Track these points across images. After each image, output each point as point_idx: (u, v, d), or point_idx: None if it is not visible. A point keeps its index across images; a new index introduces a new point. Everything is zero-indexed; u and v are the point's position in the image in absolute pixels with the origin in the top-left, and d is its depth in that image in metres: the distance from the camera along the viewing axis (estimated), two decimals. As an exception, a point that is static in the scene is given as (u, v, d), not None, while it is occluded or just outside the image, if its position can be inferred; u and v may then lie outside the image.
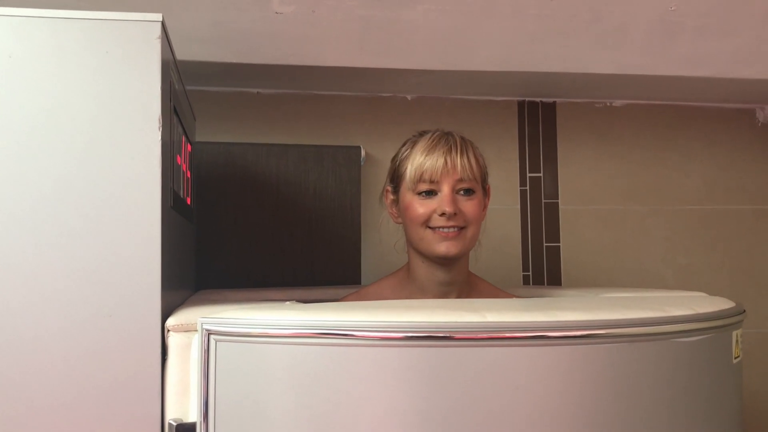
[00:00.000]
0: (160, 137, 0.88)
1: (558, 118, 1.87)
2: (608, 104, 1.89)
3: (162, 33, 0.91)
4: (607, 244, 1.86)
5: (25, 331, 0.84)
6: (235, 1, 1.37)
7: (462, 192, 1.22)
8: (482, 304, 0.91)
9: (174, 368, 0.88)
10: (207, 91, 1.69)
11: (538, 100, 1.86)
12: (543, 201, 1.85)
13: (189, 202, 1.35)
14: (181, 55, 1.39)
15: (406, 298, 1.25)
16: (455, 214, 1.19)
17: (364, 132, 1.77)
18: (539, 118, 1.86)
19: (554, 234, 1.84)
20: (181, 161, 1.19)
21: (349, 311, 0.84)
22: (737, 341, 0.96)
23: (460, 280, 1.26)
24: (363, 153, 1.71)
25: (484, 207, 1.29)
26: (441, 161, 1.20)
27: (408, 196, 1.23)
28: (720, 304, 0.99)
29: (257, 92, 1.73)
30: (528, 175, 1.85)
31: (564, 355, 0.81)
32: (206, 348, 0.84)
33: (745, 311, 1.03)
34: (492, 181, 1.75)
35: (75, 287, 0.85)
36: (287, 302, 0.98)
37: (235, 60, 1.47)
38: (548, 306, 0.89)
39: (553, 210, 1.85)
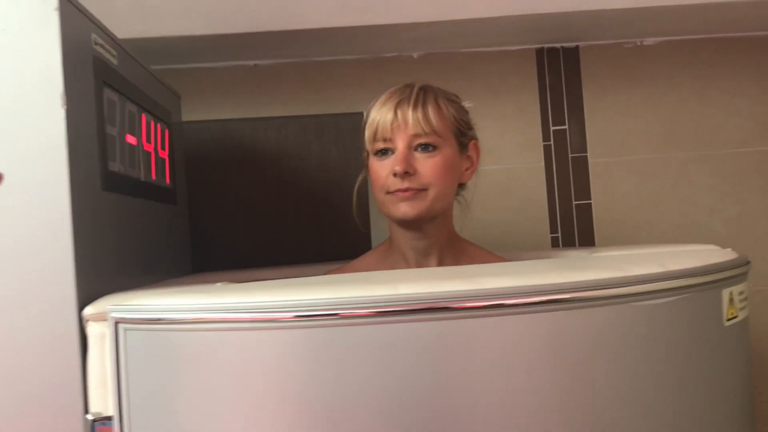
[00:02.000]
0: (64, 115, 0.83)
1: (582, 64, 1.71)
2: (638, 43, 1.71)
3: (63, 4, 0.85)
4: (646, 198, 1.70)
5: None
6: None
7: (420, 149, 1.11)
8: (411, 275, 0.81)
9: (94, 360, 0.83)
10: (202, 68, 1.64)
11: (558, 45, 1.71)
12: (570, 155, 1.70)
13: (168, 183, 1.30)
14: (157, 31, 1.35)
15: (388, 268, 1.17)
16: (407, 173, 1.09)
17: (368, 97, 1.65)
18: (561, 65, 1.71)
19: (584, 190, 1.70)
20: (140, 142, 1.14)
21: (250, 291, 0.76)
22: (732, 300, 0.82)
23: (440, 244, 1.16)
24: (366, 119, 1.62)
25: (470, 166, 1.18)
26: (390, 115, 1.10)
27: (370, 159, 1.14)
28: (714, 257, 0.85)
29: (254, 65, 1.67)
30: (551, 128, 1.70)
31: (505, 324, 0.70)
32: (115, 337, 0.79)
33: (749, 263, 0.88)
34: (512, 138, 1.66)
35: None
36: (219, 284, 0.91)
37: (206, 32, 1.40)
38: (476, 273, 0.78)
39: (582, 164, 1.70)
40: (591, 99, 1.70)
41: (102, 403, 0.82)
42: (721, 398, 0.81)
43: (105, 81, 0.98)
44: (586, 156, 1.70)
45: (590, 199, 1.69)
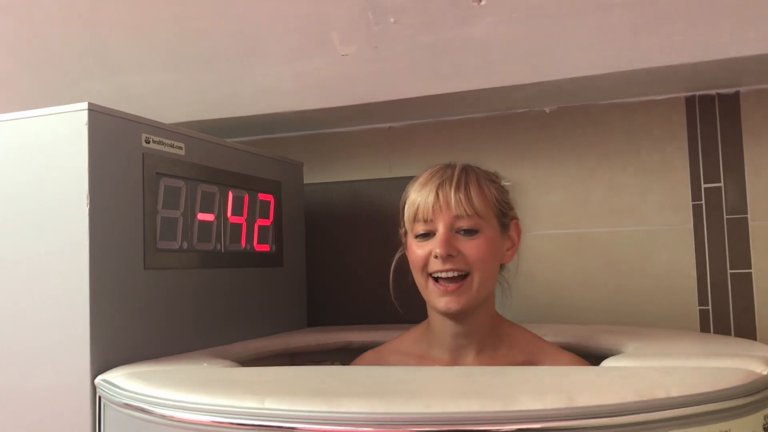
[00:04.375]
0: (87, 212, 0.99)
1: (743, 112, 1.48)
2: (818, 84, 1.44)
3: (97, 118, 1.01)
4: (824, 269, 1.41)
5: None
6: (304, 52, 1.42)
7: (463, 232, 1.08)
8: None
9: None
10: (340, 132, 1.76)
11: (713, 92, 1.50)
12: (725, 217, 1.48)
13: (270, 249, 1.43)
14: (276, 107, 1.50)
15: (425, 350, 1.16)
16: (450, 256, 1.06)
17: (498, 153, 1.65)
18: (716, 114, 1.50)
19: (742, 258, 1.46)
20: (222, 216, 1.28)
21: (218, 390, 0.80)
22: None
23: (479, 331, 1.11)
24: (488, 178, 1.59)
25: (511, 246, 1.13)
26: (432, 197, 1.08)
27: (409, 239, 1.13)
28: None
29: (389, 127, 1.74)
30: (703, 186, 1.50)
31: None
32: (98, 409, 0.92)
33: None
34: (656, 196, 1.52)
35: (20, 342, 1.01)
36: (204, 364, 1.00)
37: (317, 106, 1.51)
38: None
39: (740, 227, 1.47)
40: (753, 152, 1.46)
41: (102, 460, 0.96)
42: None
43: (160, 172, 1.14)
44: (746, 218, 1.46)
45: (750, 267, 1.46)
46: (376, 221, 1.67)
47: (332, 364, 1.37)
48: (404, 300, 1.26)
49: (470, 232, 1.07)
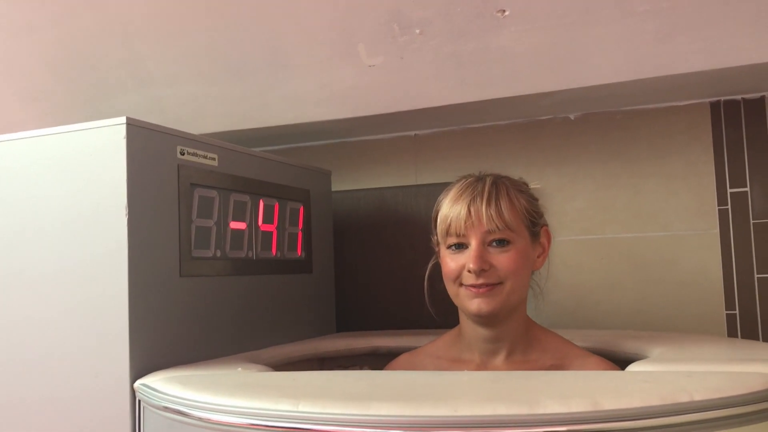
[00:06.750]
0: (126, 222, 1.03)
1: (769, 116, 1.49)
2: None
3: (135, 132, 1.05)
4: None
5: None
6: (332, 64, 1.45)
7: (494, 244, 1.10)
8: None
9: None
10: (367, 140, 1.79)
11: (738, 97, 1.51)
12: (751, 221, 1.49)
13: (300, 255, 1.47)
14: (304, 117, 1.54)
15: (456, 355, 1.18)
16: (483, 270, 1.08)
17: (524, 160, 1.66)
18: (742, 119, 1.51)
19: (769, 262, 1.47)
20: (253, 225, 1.32)
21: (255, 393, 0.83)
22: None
23: (510, 336, 1.13)
24: (513, 185, 1.61)
25: (542, 253, 1.15)
26: (464, 212, 1.10)
27: (442, 250, 1.16)
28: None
29: (415, 135, 1.76)
30: (729, 190, 1.51)
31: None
32: (138, 412, 0.95)
33: None
34: (680, 201, 1.53)
35: (62, 349, 1.05)
36: (239, 368, 1.03)
37: (344, 116, 1.54)
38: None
39: (767, 231, 1.47)
40: (780, 156, 1.47)
41: (141, 461, 1.00)
42: None
43: (194, 183, 1.17)
44: (773, 222, 1.47)
45: (777, 272, 1.46)
46: (402, 228, 1.70)
47: (361, 368, 1.40)
48: (436, 306, 1.28)
49: (502, 243, 1.10)
